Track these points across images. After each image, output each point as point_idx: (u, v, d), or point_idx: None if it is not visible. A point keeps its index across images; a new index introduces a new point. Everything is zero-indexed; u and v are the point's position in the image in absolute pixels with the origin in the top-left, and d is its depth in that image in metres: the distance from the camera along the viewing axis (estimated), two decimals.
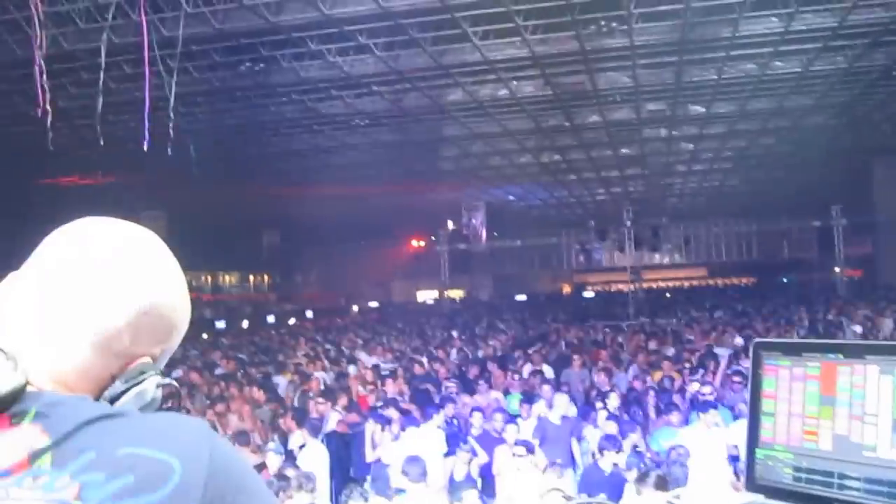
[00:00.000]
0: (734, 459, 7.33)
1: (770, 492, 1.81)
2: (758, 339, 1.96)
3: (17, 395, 0.98)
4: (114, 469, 0.94)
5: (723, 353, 14.36)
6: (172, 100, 10.20)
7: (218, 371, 15.31)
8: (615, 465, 7.82)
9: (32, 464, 0.95)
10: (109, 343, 1.09)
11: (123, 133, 16.59)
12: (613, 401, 10.65)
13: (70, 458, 0.95)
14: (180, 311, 1.17)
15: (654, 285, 39.83)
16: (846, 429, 1.70)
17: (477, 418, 9.59)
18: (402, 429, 9.40)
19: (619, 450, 7.97)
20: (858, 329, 17.04)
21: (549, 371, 13.61)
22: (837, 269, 30.38)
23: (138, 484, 0.94)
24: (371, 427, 9.43)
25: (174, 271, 1.18)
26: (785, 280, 41.63)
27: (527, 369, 13.85)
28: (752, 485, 1.86)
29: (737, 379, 10.99)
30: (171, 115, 9.98)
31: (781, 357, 1.83)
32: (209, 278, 36.26)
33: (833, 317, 20.14)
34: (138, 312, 1.10)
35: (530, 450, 8.06)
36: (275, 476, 7.06)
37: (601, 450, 7.91)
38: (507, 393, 12.14)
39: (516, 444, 8.14)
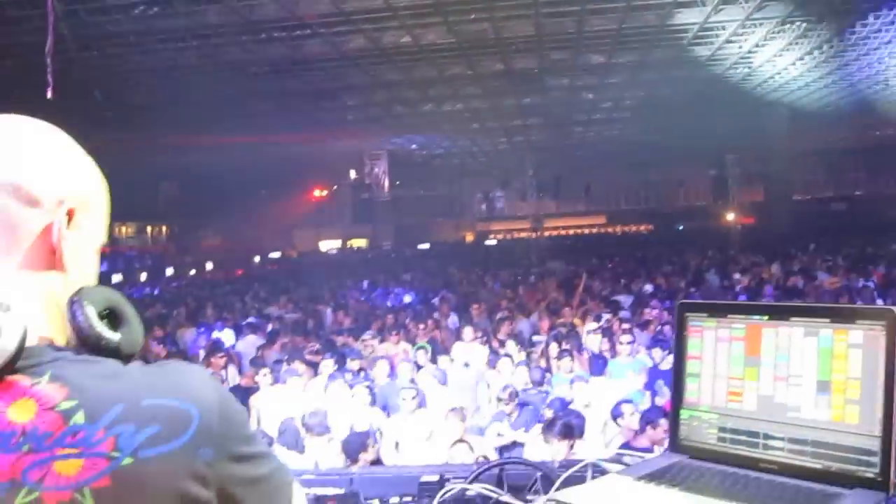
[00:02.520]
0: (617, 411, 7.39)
1: (694, 452, 1.83)
2: (683, 301, 1.96)
3: (23, 348, 1.02)
4: (141, 420, 1.01)
5: (624, 300, 14.67)
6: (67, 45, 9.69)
7: None
8: (519, 411, 7.94)
9: (68, 422, 0.99)
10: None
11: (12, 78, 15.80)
12: (513, 348, 10.78)
13: (100, 411, 1.00)
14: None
15: (555, 233, 40.35)
16: (770, 390, 1.72)
17: (382, 368, 9.59)
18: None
19: (520, 398, 8.10)
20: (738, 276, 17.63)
21: (453, 319, 13.69)
22: (731, 217, 31.33)
23: (165, 432, 1.02)
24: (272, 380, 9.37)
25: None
26: (681, 227, 42.67)
27: (432, 318, 13.89)
28: (676, 445, 1.87)
29: (626, 326, 11.15)
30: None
31: (707, 318, 1.84)
32: None
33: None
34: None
35: (422, 403, 8.05)
36: None
37: (509, 397, 7.99)
38: (412, 343, 12.14)
39: (415, 391, 8.11)
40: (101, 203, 1.26)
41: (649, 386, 8.56)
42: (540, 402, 8.29)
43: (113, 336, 1.12)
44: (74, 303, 1.11)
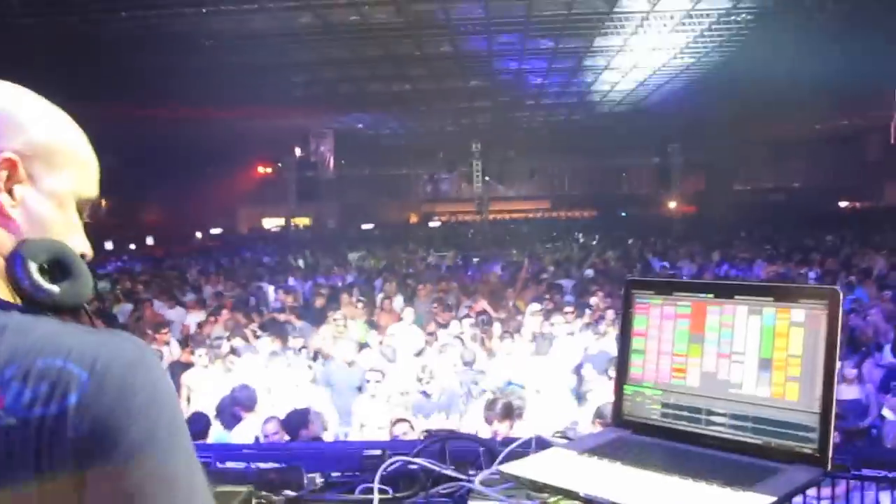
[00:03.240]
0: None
1: (638, 427, 1.85)
2: (630, 278, 1.98)
3: None
4: (31, 380, 0.96)
5: (567, 284, 14.79)
6: None
7: None
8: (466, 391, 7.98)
9: None
10: None
11: None
12: (457, 329, 10.81)
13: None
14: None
15: (499, 216, 40.49)
16: (714, 366, 1.74)
17: (327, 347, 9.55)
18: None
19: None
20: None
21: (398, 301, 13.65)
22: (673, 205, 31.73)
23: (48, 394, 0.95)
24: (207, 357, 9.27)
25: None
26: (623, 214, 43.09)
27: (378, 298, 13.87)
28: (620, 420, 1.89)
29: (569, 310, 11.31)
30: None
31: (653, 295, 1.86)
32: None
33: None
34: None
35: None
36: None
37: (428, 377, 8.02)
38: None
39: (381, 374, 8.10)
40: (70, 154, 1.23)
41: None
42: (470, 383, 8.32)
43: (52, 288, 1.09)
44: (12, 254, 1.08)
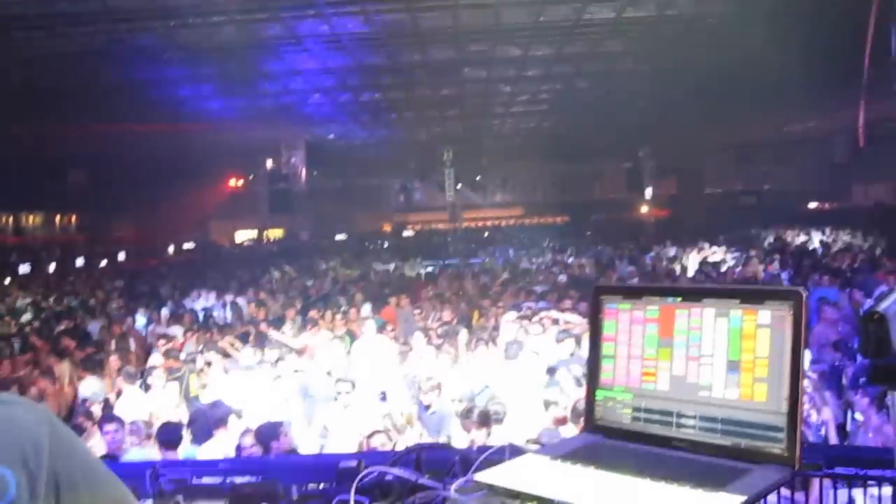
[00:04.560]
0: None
1: (610, 432, 1.86)
2: (598, 284, 1.99)
3: None
4: None
5: (540, 290, 14.84)
6: None
7: (24, 318, 14.53)
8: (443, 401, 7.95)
9: None
10: None
11: None
12: (429, 339, 10.80)
13: None
14: None
15: (472, 224, 40.56)
16: (683, 369, 1.76)
17: (306, 359, 9.51)
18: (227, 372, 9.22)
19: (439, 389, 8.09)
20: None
21: (366, 310, 13.56)
22: (645, 209, 31.92)
23: None
24: (187, 371, 9.22)
25: None
26: (596, 219, 43.30)
27: (353, 311, 13.81)
28: (592, 425, 1.91)
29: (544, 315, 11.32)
30: None
31: (622, 301, 1.88)
32: (10, 220, 34.11)
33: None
34: None
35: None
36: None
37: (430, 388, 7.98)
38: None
39: (351, 383, 8.05)
40: None
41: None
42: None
43: None
44: None
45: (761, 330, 1.66)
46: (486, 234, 36.91)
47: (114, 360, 10.10)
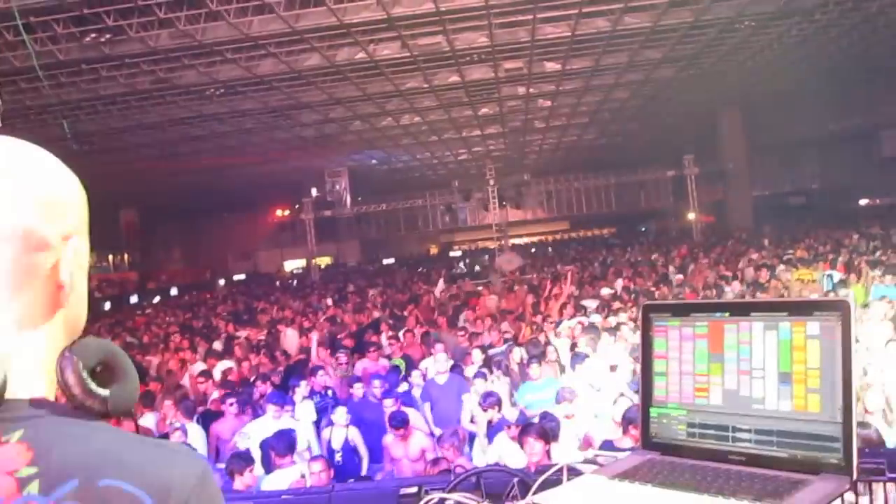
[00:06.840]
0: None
1: (666, 448, 1.87)
2: (647, 302, 2.01)
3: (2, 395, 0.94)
4: (91, 501, 0.91)
5: (590, 304, 14.72)
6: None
7: None
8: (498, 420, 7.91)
9: (23, 490, 0.91)
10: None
11: None
12: (477, 357, 10.73)
13: (56, 484, 0.91)
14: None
15: (519, 241, 40.54)
16: (735, 384, 1.77)
17: (357, 387, 9.51)
18: (273, 402, 9.25)
19: (498, 406, 8.03)
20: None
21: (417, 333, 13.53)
22: (692, 216, 31.59)
23: None
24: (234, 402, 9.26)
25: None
26: (643, 228, 43.06)
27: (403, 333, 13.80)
28: (648, 443, 1.92)
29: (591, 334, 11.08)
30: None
31: (671, 318, 1.89)
32: None
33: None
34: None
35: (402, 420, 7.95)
36: None
37: (484, 408, 7.92)
38: (388, 358, 12.09)
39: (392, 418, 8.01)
40: (86, 217, 1.12)
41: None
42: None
43: (101, 393, 1.02)
44: (64, 358, 1.01)
45: (811, 341, 1.66)
46: (532, 251, 36.78)
47: (170, 396, 10.21)
